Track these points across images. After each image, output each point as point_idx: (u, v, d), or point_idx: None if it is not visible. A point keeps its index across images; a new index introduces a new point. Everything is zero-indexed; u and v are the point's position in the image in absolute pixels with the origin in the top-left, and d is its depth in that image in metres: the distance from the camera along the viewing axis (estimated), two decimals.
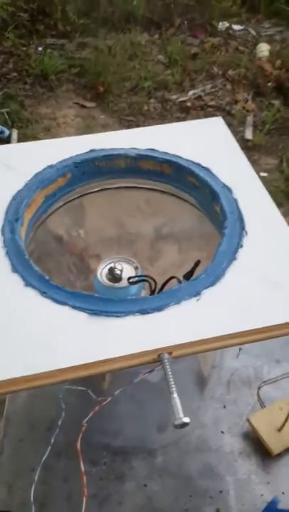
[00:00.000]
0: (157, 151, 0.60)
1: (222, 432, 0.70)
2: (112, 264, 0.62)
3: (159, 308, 0.45)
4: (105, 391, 0.50)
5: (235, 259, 0.49)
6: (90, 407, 0.47)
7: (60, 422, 0.50)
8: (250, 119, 2.41)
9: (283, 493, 0.64)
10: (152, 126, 0.67)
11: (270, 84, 2.58)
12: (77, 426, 0.49)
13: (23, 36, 2.84)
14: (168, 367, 0.42)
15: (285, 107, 2.52)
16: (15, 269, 0.48)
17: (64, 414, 0.52)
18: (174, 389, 0.41)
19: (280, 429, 0.67)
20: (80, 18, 2.90)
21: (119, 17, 2.96)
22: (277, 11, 3.09)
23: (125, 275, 0.62)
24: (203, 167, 0.58)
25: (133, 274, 0.62)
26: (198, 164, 0.58)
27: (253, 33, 3.00)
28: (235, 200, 0.54)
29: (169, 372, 0.42)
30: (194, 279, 0.48)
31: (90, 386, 0.51)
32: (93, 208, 0.67)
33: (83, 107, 2.50)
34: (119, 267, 0.62)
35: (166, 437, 0.69)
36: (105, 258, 0.64)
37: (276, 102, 2.53)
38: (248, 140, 2.23)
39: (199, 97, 2.53)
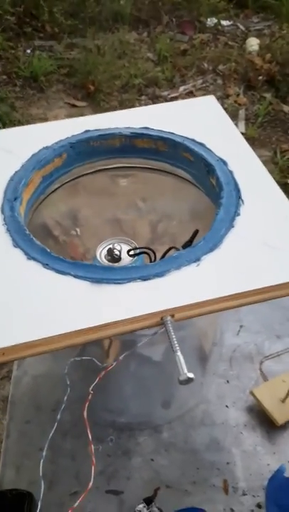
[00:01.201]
0: (152, 129, 0.61)
1: (226, 406, 0.71)
2: (110, 246, 0.63)
3: (160, 274, 0.46)
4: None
5: (232, 226, 0.50)
6: (94, 381, 0.48)
7: (65, 398, 0.51)
8: (242, 112, 2.43)
9: None
10: (146, 106, 0.68)
11: (260, 77, 2.61)
12: (83, 405, 0.49)
13: (11, 39, 2.85)
14: (170, 328, 0.43)
15: (276, 100, 2.54)
16: (16, 244, 0.49)
17: (69, 390, 0.52)
18: (177, 348, 0.42)
19: (283, 400, 0.68)
20: (68, 19, 2.92)
21: (107, 16, 2.97)
22: (265, 5, 3.12)
23: (124, 256, 0.63)
24: (197, 142, 0.59)
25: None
26: (193, 140, 0.60)
27: (242, 28, 3.03)
28: (231, 172, 0.55)
29: (172, 333, 0.43)
30: (193, 246, 0.49)
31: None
32: (88, 191, 0.68)
33: (74, 106, 2.51)
34: (118, 247, 0.63)
35: (171, 413, 0.70)
36: (106, 238, 0.65)
37: (268, 95, 2.55)
38: (241, 133, 2.25)
39: (190, 93, 2.55)
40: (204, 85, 2.65)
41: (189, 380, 0.41)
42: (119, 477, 0.65)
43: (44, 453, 0.51)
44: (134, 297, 0.45)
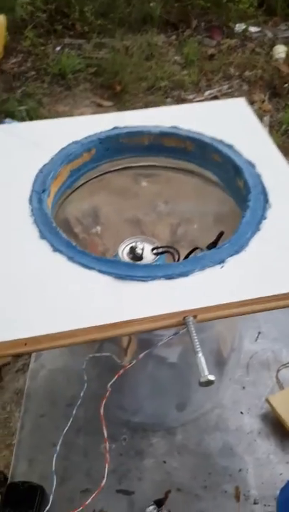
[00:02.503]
0: (180, 128, 0.61)
1: (241, 413, 0.70)
2: (133, 244, 0.63)
3: (184, 274, 0.46)
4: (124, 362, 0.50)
5: (258, 230, 0.49)
6: (111, 379, 0.48)
7: (82, 394, 0.51)
8: (266, 119, 2.42)
9: None
10: (175, 106, 0.68)
11: (286, 85, 2.59)
12: (98, 402, 0.49)
13: (42, 36, 2.88)
14: (193, 329, 0.43)
15: None
16: (43, 236, 0.49)
17: (86, 386, 0.52)
18: (198, 349, 0.41)
19: None
20: (98, 19, 2.94)
21: (137, 18, 2.98)
22: None
23: (146, 254, 0.63)
24: (226, 144, 0.59)
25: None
26: (221, 141, 0.59)
27: (270, 35, 3.01)
28: (259, 175, 0.55)
29: (194, 334, 0.42)
30: (218, 247, 0.48)
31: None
32: (112, 189, 0.68)
33: (100, 105, 2.52)
34: (140, 245, 0.62)
35: (186, 416, 0.70)
36: (125, 238, 0.65)
37: None
38: None
39: (216, 97, 2.54)
40: (230, 90, 2.64)
41: (210, 382, 0.40)
42: (131, 477, 0.65)
43: (58, 448, 0.51)
44: (157, 295, 0.44)
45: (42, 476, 0.65)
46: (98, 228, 0.71)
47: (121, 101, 2.48)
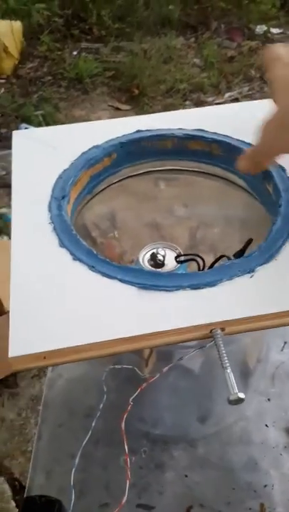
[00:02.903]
0: (206, 131, 0.59)
1: (266, 426, 0.68)
2: (154, 250, 0.61)
3: (211, 284, 0.43)
4: (148, 374, 0.48)
5: None
6: (131, 391, 0.46)
7: (101, 406, 0.49)
8: None
9: None
10: (199, 108, 0.65)
11: None
12: (117, 413, 0.48)
13: (58, 41, 2.88)
14: (221, 342, 0.40)
15: None
16: (62, 244, 0.47)
17: (105, 397, 0.50)
18: (227, 364, 0.39)
19: None
20: (115, 23, 2.93)
21: (155, 21, 2.97)
22: None
23: (168, 261, 0.61)
24: None
25: (175, 261, 0.60)
26: (249, 144, 0.57)
27: None
28: None
29: (222, 348, 0.40)
30: (247, 256, 0.46)
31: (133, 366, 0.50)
32: (131, 193, 0.66)
33: (118, 109, 2.52)
34: (162, 252, 0.60)
35: (208, 428, 0.68)
36: (146, 244, 0.63)
37: None
38: None
39: (236, 99, 2.52)
40: (250, 93, 2.61)
41: (239, 401, 0.38)
42: (152, 491, 0.63)
43: (76, 460, 0.49)
44: (182, 306, 0.42)
45: (60, 488, 0.63)
46: (116, 232, 0.69)
47: (139, 104, 2.47)
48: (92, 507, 0.62)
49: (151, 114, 0.64)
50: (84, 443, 0.50)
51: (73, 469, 0.50)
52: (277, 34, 2.94)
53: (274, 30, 2.94)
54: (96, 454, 0.66)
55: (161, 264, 0.60)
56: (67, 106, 2.50)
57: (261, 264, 0.45)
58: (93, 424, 0.50)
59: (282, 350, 0.75)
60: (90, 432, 0.50)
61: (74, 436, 0.68)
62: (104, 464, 0.65)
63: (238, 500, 0.62)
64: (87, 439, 0.50)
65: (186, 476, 0.64)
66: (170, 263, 0.60)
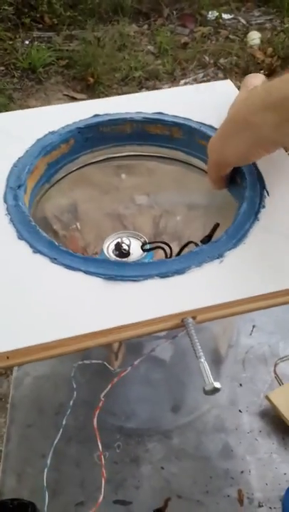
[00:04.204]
0: (165, 114, 0.57)
1: (240, 411, 0.67)
2: (118, 240, 0.60)
3: (180, 272, 0.42)
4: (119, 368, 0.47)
5: (257, 220, 0.46)
6: (102, 386, 0.44)
7: (71, 402, 0.47)
8: None
9: None
10: (158, 90, 0.64)
11: (262, 71, 2.56)
12: (88, 409, 0.46)
13: (9, 30, 2.80)
14: (193, 332, 0.39)
15: None
16: (21, 236, 0.45)
17: (75, 393, 0.48)
18: (201, 353, 0.38)
19: None
20: (67, 11, 2.87)
21: (107, 8, 2.93)
22: None
23: (133, 250, 0.59)
24: (215, 129, 0.55)
25: (141, 250, 0.59)
26: (210, 126, 0.55)
27: (243, 21, 2.99)
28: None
29: (195, 337, 0.38)
30: (215, 241, 0.44)
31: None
32: (91, 183, 0.64)
33: (73, 98, 2.47)
34: (126, 241, 0.59)
35: (182, 418, 0.67)
36: (110, 226, 0.61)
37: None
38: None
39: None
40: (205, 79, 2.60)
41: (215, 391, 0.37)
42: (128, 486, 0.61)
43: (49, 460, 0.47)
44: (151, 296, 0.40)
45: (32, 490, 0.61)
46: (78, 224, 0.67)
47: (95, 93, 2.43)
48: (68, 507, 0.60)
49: (109, 98, 0.62)
50: (55, 441, 0.48)
51: (46, 469, 0.48)
52: (229, 20, 2.94)
53: (225, 16, 2.94)
54: (69, 451, 0.64)
55: (127, 254, 0.58)
56: (21, 96, 2.44)
57: (230, 249, 0.43)
58: (64, 421, 0.48)
59: (251, 334, 0.75)
60: (61, 430, 0.48)
61: (45, 436, 0.66)
62: (77, 461, 0.63)
63: (215, 489, 0.61)
64: (58, 437, 0.48)
65: (162, 468, 0.63)
66: (136, 252, 0.59)
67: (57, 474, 0.62)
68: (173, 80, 2.53)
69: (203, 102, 0.59)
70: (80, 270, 0.42)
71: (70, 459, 0.64)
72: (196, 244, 0.51)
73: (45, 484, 0.48)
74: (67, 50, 2.64)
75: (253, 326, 0.76)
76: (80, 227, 0.67)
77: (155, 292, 0.41)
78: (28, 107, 2.36)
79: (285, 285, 0.41)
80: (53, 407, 0.68)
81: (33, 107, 2.39)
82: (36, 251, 0.43)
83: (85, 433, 0.65)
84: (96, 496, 0.44)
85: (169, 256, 0.53)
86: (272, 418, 0.66)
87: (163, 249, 0.54)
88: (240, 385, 0.70)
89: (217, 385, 0.36)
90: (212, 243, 0.44)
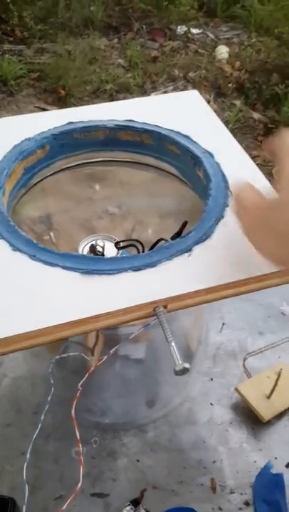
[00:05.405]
0: (136, 121, 0.60)
1: (211, 404, 0.70)
2: (93, 242, 0.62)
3: (151, 265, 0.45)
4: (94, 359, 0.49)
5: (222, 217, 0.49)
6: (78, 383, 0.46)
7: (49, 398, 0.49)
8: None
9: (276, 458, 0.65)
10: (129, 100, 0.67)
11: (230, 84, 2.64)
12: (65, 407, 0.48)
13: None
14: (164, 319, 0.42)
15: (246, 107, 2.57)
16: (0, 236, 0.47)
17: (53, 389, 0.50)
18: (171, 338, 0.41)
19: (269, 396, 0.67)
20: (38, 24, 2.90)
21: (77, 22, 2.97)
22: (234, 15, 3.18)
23: (107, 252, 0.62)
24: (183, 135, 0.59)
25: (115, 251, 0.61)
26: (178, 133, 0.59)
27: (212, 36, 3.07)
28: (218, 164, 0.55)
29: (165, 324, 0.41)
30: (183, 236, 0.48)
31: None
32: (69, 186, 0.66)
33: (45, 110, 2.49)
34: (100, 243, 0.61)
35: (156, 412, 0.69)
36: (84, 237, 0.63)
37: (237, 102, 2.58)
38: None
39: None
40: (175, 91, 2.66)
41: (185, 370, 0.40)
42: (105, 479, 0.63)
43: (28, 456, 0.49)
44: (125, 288, 0.43)
45: (12, 487, 0.62)
46: (51, 234, 0.69)
47: (66, 105, 2.46)
48: (47, 501, 0.61)
49: (82, 107, 0.65)
50: (34, 438, 0.50)
51: (25, 464, 0.50)
52: (198, 34, 3.02)
53: (194, 31, 3.02)
54: (47, 448, 0.66)
55: (101, 255, 0.61)
56: None
57: (197, 243, 0.47)
58: (42, 417, 0.50)
59: (220, 331, 0.78)
60: (40, 427, 0.50)
61: (23, 434, 0.67)
62: (56, 457, 0.65)
63: (189, 478, 0.64)
64: (36, 433, 0.50)
65: (137, 460, 0.65)
66: (109, 254, 0.61)
67: (36, 471, 0.64)
68: (143, 93, 2.58)
69: (172, 110, 0.63)
70: (58, 266, 0.45)
71: (48, 456, 0.65)
72: (167, 241, 0.54)
73: (24, 478, 0.49)
74: (38, 62, 2.67)
75: (223, 324, 0.79)
76: (55, 239, 0.69)
77: (129, 284, 0.44)
78: None
79: (249, 274, 0.44)
80: (31, 406, 0.70)
81: None
82: (15, 249, 0.46)
83: (63, 430, 0.67)
84: (75, 490, 0.46)
85: (141, 252, 0.56)
86: (242, 410, 0.69)
87: (135, 246, 0.57)
88: (211, 379, 0.73)
89: (186, 365, 0.39)
90: (181, 238, 0.47)
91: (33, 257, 0.45)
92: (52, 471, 0.64)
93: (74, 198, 0.69)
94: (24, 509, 0.50)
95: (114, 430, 0.68)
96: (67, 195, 0.68)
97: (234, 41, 2.99)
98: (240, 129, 2.44)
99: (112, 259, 0.46)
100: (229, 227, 0.48)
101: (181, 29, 2.99)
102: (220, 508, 0.61)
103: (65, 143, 0.60)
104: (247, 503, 0.62)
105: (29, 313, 0.41)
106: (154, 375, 0.70)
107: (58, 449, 0.66)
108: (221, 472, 0.64)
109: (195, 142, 0.58)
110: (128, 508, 0.60)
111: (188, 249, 0.46)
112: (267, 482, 0.63)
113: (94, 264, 0.45)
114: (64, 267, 0.45)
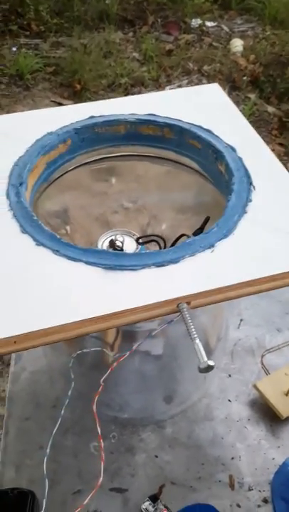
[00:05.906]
0: (157, 115, 0.60)
1: (229, 401, 0.70)
2: (112, 237, 0.62)
3: (174, 261, 0.45)
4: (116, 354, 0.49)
5: (245, 212, 0.49)
6: (98, 378, 0.46)
7: (69, 392, 0.49)
8: None
9: None
10: (150, 93, 0.66)
11: (245, 78, 2.61)
12: (84, 402, 0.48)
13: None
14: (188, 316, 0.42)
15: (260, 100, 2.55)
16: (24, 230, 0.47)
17: (73, 384, 0.50)
18: (195, 335, 0.40)
19: (287, 393, 0.67)
20: (54, 18, 2.90)
21: (93, 16, 2.96)
22: (249, 7, 3.14)
23: (127, 247, 0.61)
24: (204, 129, 0.58)
25: (134, 246, 0.61)
26: (200, 127, 0.58)
27: (226, 29, 3.04)
28: (240, 158, 0.54)
29: (189, 320, 0.41)
30: (206, 232, 0.47)
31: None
32: (86, 180, 0.66)
33: (60, 104, 2.49)
34: (120, 238, 0.61)
35: (174, 408, 0.69)
36: (98, 231, 0.63)
37: (252, 96, 2.56)
38: None
39: None
40: (189, 85, 2.64)
41: (209, 368, 0.39)
42: (123, 474, 0.63)
43: (48, 450, 0.49)
44: (148, 284, 0.43)
45: (31, 481, 0.63)
46: (68, 228, 0.69)
47: (81, 99, 2.45)
48: (66, 495, 0.62)
49: (103, 101, 0.64)
50: (53, 432, 0.50)
51: (45, 458, 0.50)
52: (212, 27, 2.99)
53: (209, 24, 2.99)
54: (66, 443, 0.66)
55: (120, 250, 0.61)
56: (9, 102, 2.45)
57: (220, 239, 0.46)
58: (62, 412, 0.50)
59: (238, 327, 0.78)
60: (60, 421, 0.50)
61: (42, 428, 0.68)
62: (74, 452, 0.65)
63: (207, 475, 0.64)
64: (56, 428, 0.50)
65: (156, 456, 0.65)
66: (129, 249, 0.61)
67: (55, 465, 0.64)
68: (158, 87, 2.57)
69: (193, 104, 0.62)
70: (81, 261, 0.45)
71: (67, 450, 0.66)
72: (189, 237, 0.54)
73: (45, 473, 0.50)
74: (54, 56, 2.67)
75: (241, 320, 0.79)
76: (70, 232, 0.69)
77: (151, 280, 0.43)
78: (15, 112, 2.37)
79: (271, 271, 0.44)
80: (50, 400, 0.70)
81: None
82: (39, 243, 0.46)
83: (82, 425, 0.67)
84: (93, 485, 0.46)
85: (163, 248, 0.56)
86: (260, 406, 0.69)
87: (157, 242, 0.56)
88: (229, 375, 0.72)
89: (211, 362, 0.39)
90: (204, 234, 0.47)
91: (56, 251, 0.45)
92: (70, 466, 0.64)
93: (90, 192, 0.69)
94: (44, 503, 0.50)
95: (133, 425, 0.68)
96: (83, 190, 0.68)
97: (249, 34, 2.96)
98: (254, 123, 2.42)
99: (134, 254, 0.46)
100: (252, 222, 0.48)
101: (195, 22, 2.96)
102: (238, 505, 0.61)
103: (86, 137, 0.59)
104: (265, 501, 0.61)
105: (52, 308, 0.41)
106: (172, 371, 0.70)
107: (77, 443, 0.66)
108: (239, 469, 0.64)
109: (217, 136, 0.57)
110: (147, 503, 0.60)
111: (212, 245, 0.46)
112: (285, 480, 0.63)
113: (117, 259, 0.45)
114: (87, 262, 0.44)
